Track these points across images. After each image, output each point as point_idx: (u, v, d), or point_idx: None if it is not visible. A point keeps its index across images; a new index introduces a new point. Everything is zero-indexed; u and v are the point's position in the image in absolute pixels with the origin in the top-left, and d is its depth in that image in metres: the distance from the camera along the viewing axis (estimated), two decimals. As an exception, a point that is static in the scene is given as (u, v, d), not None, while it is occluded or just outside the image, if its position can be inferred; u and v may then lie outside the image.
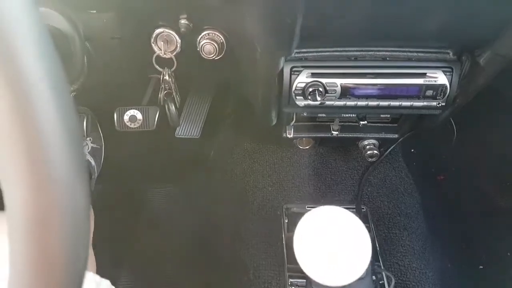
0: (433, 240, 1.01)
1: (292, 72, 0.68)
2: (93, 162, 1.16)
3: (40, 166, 0.24)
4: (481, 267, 1.09)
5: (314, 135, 0.90)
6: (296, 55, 0.65)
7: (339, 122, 0.87)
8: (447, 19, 0.52)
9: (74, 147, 0.26)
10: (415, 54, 0.66)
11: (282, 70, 0.66)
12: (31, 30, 0.24)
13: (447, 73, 0.67)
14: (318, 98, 0.66)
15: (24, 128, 0.23)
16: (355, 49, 0.66)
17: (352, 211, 0.97)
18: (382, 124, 0.89)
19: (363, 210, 0.96)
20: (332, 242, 0.63)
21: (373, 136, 0.91)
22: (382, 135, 0.91)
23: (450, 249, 1.05)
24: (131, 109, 1.17)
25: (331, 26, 0.54)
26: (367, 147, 0.93)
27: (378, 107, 0.70)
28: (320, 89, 0.67)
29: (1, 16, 0.22)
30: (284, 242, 0.94)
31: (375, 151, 0.93)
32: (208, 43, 0.78)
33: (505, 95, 0.93)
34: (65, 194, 0.24)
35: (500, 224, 1.10)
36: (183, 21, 0.76)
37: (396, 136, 0.91)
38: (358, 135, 0.91)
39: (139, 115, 1.17)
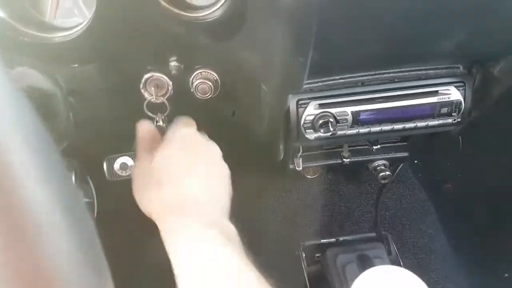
0: (457, 257, 0.96)
1: (299, 106, 0.63)
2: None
3: None
4: (506, 275, 1.05)
5: (324, 163, 0.85)
6: (301, 87, 0.61)
7: (348, 147, 0.83)
8: (465, 39, 0.49)
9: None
10: (424, 72, 0.63)
11: (288, 104, 0.62)
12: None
13: (460, 88, 0.64)
14: (331, 129, 0.62)
15: None
16: (362, 74, 0.62)
17: (373, 238, 0.92)
18: (392, 144, 0.86)
19: (384, 235, 0.91)
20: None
21: (384, 157, 0.87)
22: (393, 155, 0.87)
23: (474, 262, 1.01)
24: (121, 156, 1.10)
25: (342, 57, 0.50)
26: (378, 168, 0.89)
27: (392, 130, 0.66)
28: (331, 119, 0.63)
29: None
30: (306, 277, 0.88)
31: (387, 172, 0.88)
32: (202, 83, 0.74)
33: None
34: None
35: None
36: (173, 63, 0.71)
37: (406, 154, 0.87)
38: (369, 158, 0.86)
39: (130, 162, 1.10)
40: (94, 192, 1.15)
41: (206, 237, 0.44)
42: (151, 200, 0.49)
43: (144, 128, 0.62)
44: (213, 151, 0.59)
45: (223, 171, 0.57)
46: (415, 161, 1.13)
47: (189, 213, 0.46)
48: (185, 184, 0.49)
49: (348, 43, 0.47)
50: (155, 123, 0.82)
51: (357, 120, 0.64)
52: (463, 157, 1.12)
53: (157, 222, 0.47)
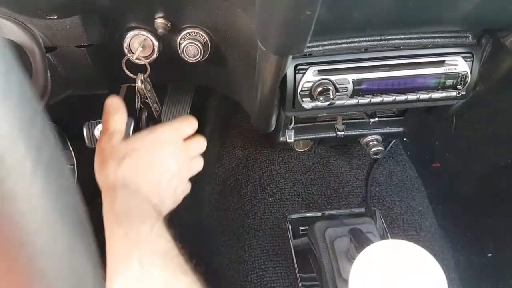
0: (444, 236, 0.96)
1: (297, 71, 0.59)
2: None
3: None
4: (489, 254, 1.06)
5: (317, 137, 0.82)
6: (300, 50, 0.57)
7: (343, 119, 0.80)
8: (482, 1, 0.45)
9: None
10: (430, 40, 0.59)
11: (284, 69, 0.57)
12: None
13: (468, 59, 0.60)
14: (331, 97, 0.58)
15: None
16: (365, 39, 0.58)
17: (361, 213, 0.91)
18: (387, 118, 0.82)
19: (373, 211, 0.89)
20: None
21: (378, 131, 0.84)
22: (387, 130, 0.84)
23: (460, 241, 1.01)
24: (102, 122, 1.05)
25: (351, 14, 0.45)
26: (371, 143, 0.86)
27: (394, 102, 0.62)
28: (330, 87, 0.58)
29: None
30: (292, 250, 0.86)
31: (380, 148, 0.85)
32: (191, 44, 0.69)
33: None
34: None
35: (500, 209, 1.08)
36: (159, 21, 0.66)
37: (401, 129, 0.84)
38: (363, 132, 0.83)
39: (111, 129, 1.05)
40: (74, 158, 1.10)
41: (145, 217, 0.47)
42: (110, 172, 0.52)
43: (112, 102, 0.63)
44: (185, 170, 0.61)
45: (180, 191, 0.60)
46: (404, 139, 1.11)
47: (138, 194, 0.50)
48: (141, 176, 0.52)
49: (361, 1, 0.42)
50: (136, 83, 0.77)
51: (358, 89, 0.60)
52: (453, 138, 1.10)
53: (106, 190, 0.51)
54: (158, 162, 0.55)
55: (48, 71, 0.70)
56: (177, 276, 0.43)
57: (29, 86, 0.18)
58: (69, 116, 1.01)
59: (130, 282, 0.41)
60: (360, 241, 0.59)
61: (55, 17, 0.62)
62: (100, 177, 0.53)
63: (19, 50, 0.66)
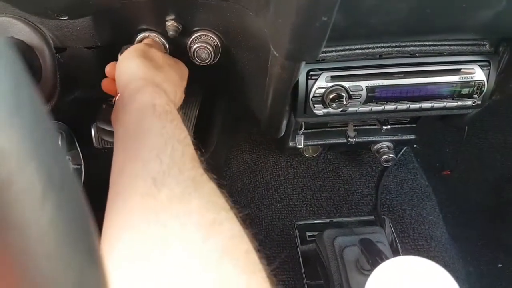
0: (454, 246, 0.94)
1: (309, 77, 0.58)
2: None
3: None
4: (500, 265, 1.04)
5: (327, 143, 0.80)
6: (313, 56, 0.55)
7: (354, 126, 0.78)
8: (505, 9, 0.43)
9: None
10: (447, 47, 0.58)
11: (296, 75, 0.56)
12: None
13: (484, 68, 0.59)
14: (344, 104, 0.57)
15: None
16: (380, 45, 0.56)
17: (370, 222, 0.89)
18: (399, 126, 0.81)
19: (382, 219, 0.87)
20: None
21: (390, 138, 0.82)
22: (399, 137, 0.82)
23: (471, 252, 0.99)
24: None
25: (368, 20, 0.44)
26: (382, 150, 0.85)
27: (408, 110, 0.61)
28: (343, 94, 0.57)
29: None
30: (300, 257, 0.84)
31: (391, 155, 0.84)
32: (202, 47, 0.68)
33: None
34: None
35: (511, 218, 1.06)
36: (170, 23, 0.65)
37: (413, 137, 0.83)
38: (374, 139, 0.82)
39: (120, 130, 1.04)
40: (82, 158, 1.10)
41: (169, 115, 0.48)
42: (151, 73, 0.54)
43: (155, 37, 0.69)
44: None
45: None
46: (415, 145, 1.10)
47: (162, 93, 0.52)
48: (167, 78, 0.56)
49: (378, 4, 0.41)
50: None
51: (371, 96, 0.59)
52: (464, 145, 1.09)
53: (146, 83, 0.52)
54: (178, 86, 0.60)
55: (58, 72, 0.70)
56: (204, 178, 0.42)
57: (40, 102, 0.17)
58: (77, 116, 1.01)
59: (159, 171, 0.40)
60: (372, 253, 0.58)
61: (66, 18, 0.62)
62: (134, 71, 0.55)
63: (29, 51, 0.66)
